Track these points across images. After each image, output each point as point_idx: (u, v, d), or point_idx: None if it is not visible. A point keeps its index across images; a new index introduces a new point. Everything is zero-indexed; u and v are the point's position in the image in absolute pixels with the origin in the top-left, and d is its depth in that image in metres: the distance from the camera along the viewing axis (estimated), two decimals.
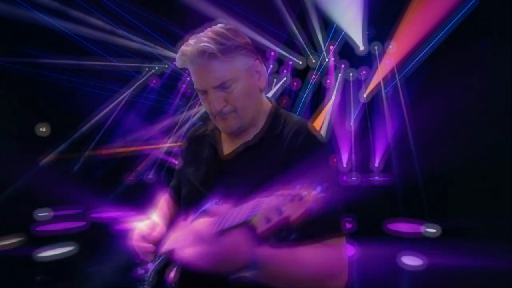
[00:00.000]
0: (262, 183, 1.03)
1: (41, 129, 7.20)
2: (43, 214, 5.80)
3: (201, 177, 1.19)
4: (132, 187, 7.11)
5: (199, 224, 0.88)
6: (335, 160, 1.06)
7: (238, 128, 1.11)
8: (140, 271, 1.19)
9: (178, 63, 1.08)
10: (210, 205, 1.00)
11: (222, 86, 1.05)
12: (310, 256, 0.94)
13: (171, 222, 1.31)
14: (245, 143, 1.13)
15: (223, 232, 0.81)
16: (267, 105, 1.19)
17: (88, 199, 5.82)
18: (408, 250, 4.19)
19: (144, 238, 1.17)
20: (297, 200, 0.67)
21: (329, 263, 0.97)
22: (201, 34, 1.07)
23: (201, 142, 1.26)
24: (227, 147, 1.18)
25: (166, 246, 1.12)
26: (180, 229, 1.03)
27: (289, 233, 0.69)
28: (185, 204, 1.24)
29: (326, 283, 0.97)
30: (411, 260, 3.95)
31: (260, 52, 1.19)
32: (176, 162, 1.41)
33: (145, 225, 1.20)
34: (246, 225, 0.75)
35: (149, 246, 1.16)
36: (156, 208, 1.38)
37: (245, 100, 1.08)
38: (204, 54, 1.02)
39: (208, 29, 1.09)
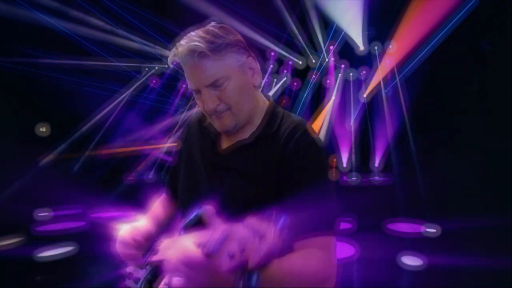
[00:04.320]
0: (255, 181, 1.06)
1: (41, 129, 7.20)
2: (43, 214, 5.80)
3: (196, 168, 1.20)
4: (132, 187, 7.11)
5: (190, 249, 0.82)
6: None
7: (233, 127, 1.11)
8: (129, 280, 1.16)
9: (170, 63, 1.10)
10: (198, 212, 1.00)
11: (215, 85, 1.05)
12: (298, 261, 0.93)
13: (167, 222, 1.32)
14: (241, 141, 1.13)
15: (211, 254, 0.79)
16: (264, 103, 1.18)
17: (88, 199, 5.82)
18: (408, 250, 4.19)
19: (126, 244, 1.15)
20: (258, 239, 0.62)
21: (317, 267, 0.97)
22: (192, 33, 1.07)
23: (200, 132, 1.25)
24: (225, 142, 1.18)
25: (156, 256, 1.10)
26: (170, 241, 1.00)
27: (251, 275, 0.64)
28: (181, 197, 1.25)
29: (312, 286, 0.96)
30: (411, 260, 3.95)
31: (256, 51, 1.17)
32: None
33: (126, 230, 1.19)
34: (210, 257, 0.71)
35: (131, 252, 1.14)
36: (149, 210, 1.37)
37: (239, 97, 1.07)
38: (194, 54, 1.02)
39: (200, 28, 1.09)
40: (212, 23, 1.10)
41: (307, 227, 0.97)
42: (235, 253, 0.63)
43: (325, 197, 1.03)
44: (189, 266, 0.75)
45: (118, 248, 1.16)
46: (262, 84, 1.19)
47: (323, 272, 0.98)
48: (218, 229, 0.70)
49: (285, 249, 0.63)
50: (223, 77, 1.04)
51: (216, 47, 1.02)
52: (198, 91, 1.08)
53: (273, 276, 0.86)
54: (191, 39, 1.04)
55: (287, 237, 0.63)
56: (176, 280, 0.77)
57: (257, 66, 1.13)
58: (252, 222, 0.66)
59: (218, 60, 1.03)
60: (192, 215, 1.01)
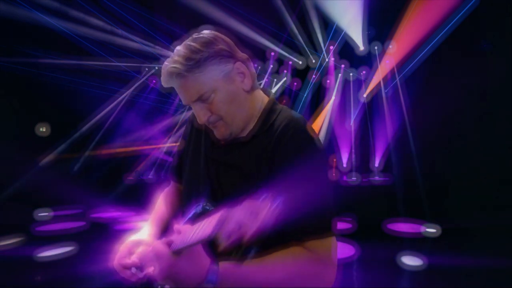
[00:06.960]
0: (249, 176, 1.06)
1: (41, 129, 7.20)
2: (43, 214, 5.80)
3: (198, 163, 1.21)
4: (132, 187, 7.10)
5: (159, 244, 0.90)
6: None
7: (230, 134, 1.12)
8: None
9: (163, 84, 1.11)
10: (198, 208, 1.01)
11: (201, 99, 1.06)
12: (281, 263, 0.93)
13: (174, 216, 1.33)
14: (238, 138, 1.14)
15: (178, 251, 0.84)
16: (263, 102, 1.18)
17: (88, 199, 5.82)
18: (408, 250, 4.19)
19: (122, 259, 1.14)
20: (254, 216, 0.66)
21: (305, 268, 0.95)
22: (177, 48, 1.08)
23: (202, 128, 1.26)
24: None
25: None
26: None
27: (248, 250, 0.68)
28: (183, 191, 1.26)
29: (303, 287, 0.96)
30: (411, 260, 3.95)
31: (250, 51, 1.16)
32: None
33: (125, 245, 1.18)
34: (208, 241, 0.75)
35: (127, 267, 1.12)
36: (152, 210, 1.37)
37: (229, 107, 1.08)
38: (173, 75, 1.04)
39: (184, 42, 1.09)
40: (204, 31, 1.10)
41: (302, 230, 0.97)
42: (232, 233, 0.68)
43: (319, 194, 1.02)
44: (160, 261, 0.87)
45: (115, 263, 1.15)
46: (257, 85, 1.17)
47: (310, 273, 0.96)
48: (217, 213, 0.75)
49: (278, 226, 0.69)
50: (207, 91, 1.05)
51: (194, 63, 1.03)
52: (190, 105, 1.11)
53: (243, 276, 0.87)
54: (172, 59, 1.05)
55: (280, 214, 0.68)
56: (151, 270, 0.90)
57: (247, 69, 1.11)
58: (248, 202, 0.70)
59: (199, 76, 1.04)
60: (191, 213, 1.02)
